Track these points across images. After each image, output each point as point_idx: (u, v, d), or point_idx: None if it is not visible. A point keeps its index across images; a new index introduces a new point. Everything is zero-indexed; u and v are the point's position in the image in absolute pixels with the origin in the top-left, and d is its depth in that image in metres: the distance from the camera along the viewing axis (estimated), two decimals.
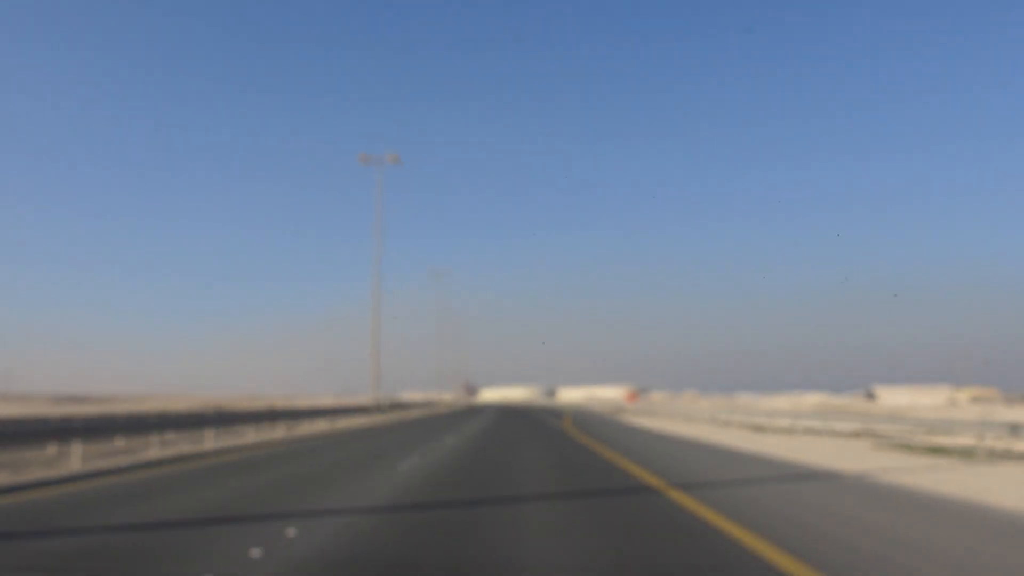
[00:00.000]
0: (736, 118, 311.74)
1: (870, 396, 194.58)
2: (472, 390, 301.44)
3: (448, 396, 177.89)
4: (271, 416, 33.50)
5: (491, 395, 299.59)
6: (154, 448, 22.77)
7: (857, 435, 33.53)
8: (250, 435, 30.67)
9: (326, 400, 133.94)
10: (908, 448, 24.50)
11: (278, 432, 32.92)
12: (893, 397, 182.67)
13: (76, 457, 18.10)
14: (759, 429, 38.96)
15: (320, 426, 39.54)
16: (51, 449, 20.12)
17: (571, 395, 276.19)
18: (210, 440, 25.69)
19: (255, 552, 7.96)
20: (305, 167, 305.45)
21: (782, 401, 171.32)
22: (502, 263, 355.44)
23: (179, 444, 25.17)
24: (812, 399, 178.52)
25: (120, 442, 23.60)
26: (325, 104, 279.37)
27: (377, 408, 52.89)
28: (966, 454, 22.11)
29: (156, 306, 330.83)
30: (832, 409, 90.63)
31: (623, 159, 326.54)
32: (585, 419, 53.86)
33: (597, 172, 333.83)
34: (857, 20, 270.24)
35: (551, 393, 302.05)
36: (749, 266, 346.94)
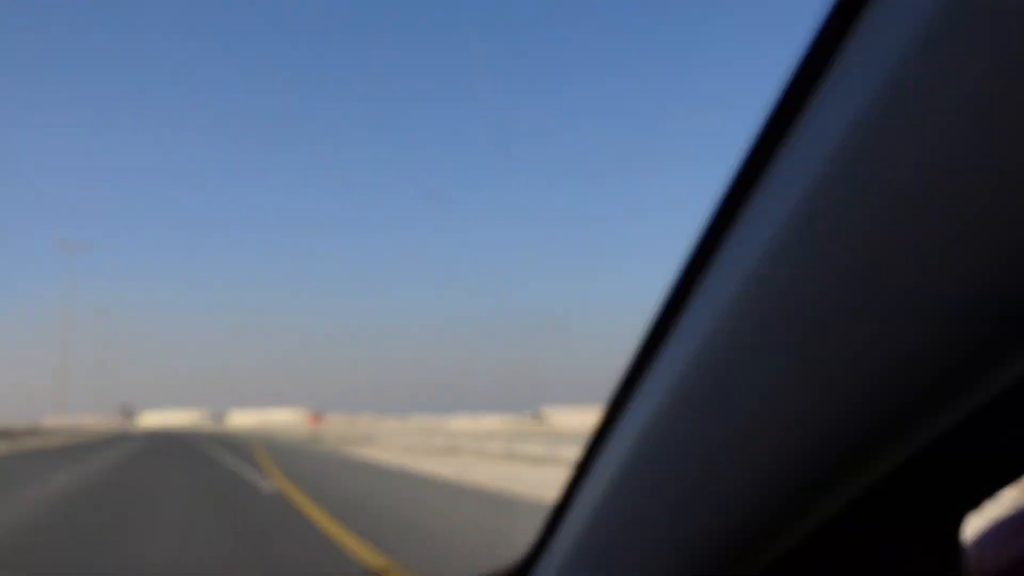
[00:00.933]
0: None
1: (537, 417, 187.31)
2: (129, 414, 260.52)
3: (100, 420, 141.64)
4: None
5: (153, 419, 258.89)
6: None
7: None
8: None
9: None
10: None
11: None
12: (562, 417, 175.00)
13: None
14: None
15: None
16: None
17: (243, 419, 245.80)
18: None
19: None
20: None
21: (464, 423, 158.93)
22: (164, 278, 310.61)
23: None
24: (490, 421, 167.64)
25: None
26: None
27: None
28: None
29: None
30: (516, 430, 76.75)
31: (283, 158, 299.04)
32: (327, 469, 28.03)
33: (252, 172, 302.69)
34: None
35: (220, 417, 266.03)
36: (422, 286, 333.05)
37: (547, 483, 17.10)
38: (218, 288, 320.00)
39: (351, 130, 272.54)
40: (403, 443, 41.44)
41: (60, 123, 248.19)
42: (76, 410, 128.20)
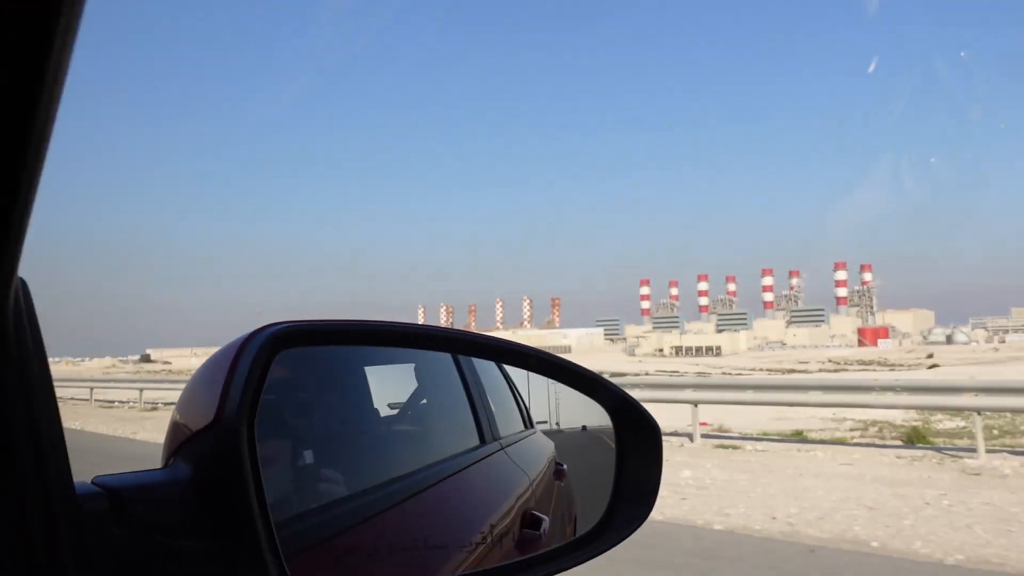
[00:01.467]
0: None
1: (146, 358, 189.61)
2: None
3: None
4: None
5: None
6: None
7: None
8: None
9: None
10: None
11: None
12: (171, 358, 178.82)
13: None
14: None
15: None
16: None
17: None
18: None
19: None
20: None
21: (67, 366, 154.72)
22: None
23: None
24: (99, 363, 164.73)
25: None
26: None
27: None
28: None
29: None
30: None
31: None
32: None
33: None
34: None
35: None
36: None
37: None
38: None
39: None
40: None
41: None
42: None
